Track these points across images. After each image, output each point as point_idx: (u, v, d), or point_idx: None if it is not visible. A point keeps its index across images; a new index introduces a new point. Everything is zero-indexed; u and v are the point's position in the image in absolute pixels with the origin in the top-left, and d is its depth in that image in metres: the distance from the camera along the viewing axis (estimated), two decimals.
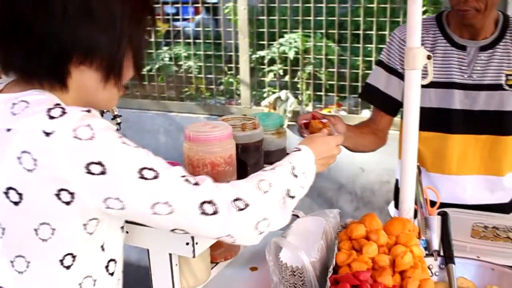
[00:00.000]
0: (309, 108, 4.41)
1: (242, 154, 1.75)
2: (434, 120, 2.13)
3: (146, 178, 1.14)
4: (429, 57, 1.64)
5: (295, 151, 1.48)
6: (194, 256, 1.48)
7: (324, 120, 1.82)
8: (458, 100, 2.12)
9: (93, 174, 1.10)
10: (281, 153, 1.82)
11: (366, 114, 4.14)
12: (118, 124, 1.48)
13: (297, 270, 1.50)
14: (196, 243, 1.46)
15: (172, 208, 1.17)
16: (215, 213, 1.20)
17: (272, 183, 1.32)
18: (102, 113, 1.48)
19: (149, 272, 1.59)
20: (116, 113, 1.51)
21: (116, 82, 1.25)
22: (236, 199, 1.24)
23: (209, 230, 1.23)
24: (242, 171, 1.73)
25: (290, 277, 1.52)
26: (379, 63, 2.27)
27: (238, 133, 1.74)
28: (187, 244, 1.45)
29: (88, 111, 1.15)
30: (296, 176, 1.39)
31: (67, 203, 1.13)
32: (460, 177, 2.20)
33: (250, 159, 1.78)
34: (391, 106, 2.26)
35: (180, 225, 1.21)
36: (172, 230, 1.23)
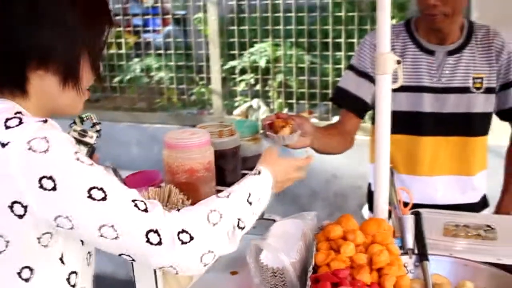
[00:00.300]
0: None
1: (220, 161, 1.77)
2: (406, 123, 2.17)
3: (94, 199, 1.12)
4: (398, 62, 1.69)
5: (255, 174, 1.43)
6: None
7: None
8: (428, 103, 2.17)
9: (45, 189, 1.09)
10: (258, 159, 1.84)
11: None
12: (98, 131, 1.49)
13: (278, 271, 1.52)
14: None
15: (118, 233, 1.14)
16: (159, 243, 1.16)
17: (223, 214, 1.27)
18: (82, 121, 1.48)
19: (132, 278, 1.60)
20: (95, 120, 1.51)
21: (74, 86, 1.24)
22: (182, 231, 1.19)
23: (151, 259, 1.19)
24: (220, 177, 1.76)
25: (271, 278, 1.54)
26: (350, 67, 2.29)
27: (216, 140, 1.77)
28: None
29: (45, 121, 1.14)
30: (250, 203, 1.35)
31: (20, 216, 1.12)
32: (432, 178, 2.24)
33: (227, 165, 1.81)
34: (360, 108, 2.28)
35: (126, 251, 1.18)
36: (120, 255, 1.19)
